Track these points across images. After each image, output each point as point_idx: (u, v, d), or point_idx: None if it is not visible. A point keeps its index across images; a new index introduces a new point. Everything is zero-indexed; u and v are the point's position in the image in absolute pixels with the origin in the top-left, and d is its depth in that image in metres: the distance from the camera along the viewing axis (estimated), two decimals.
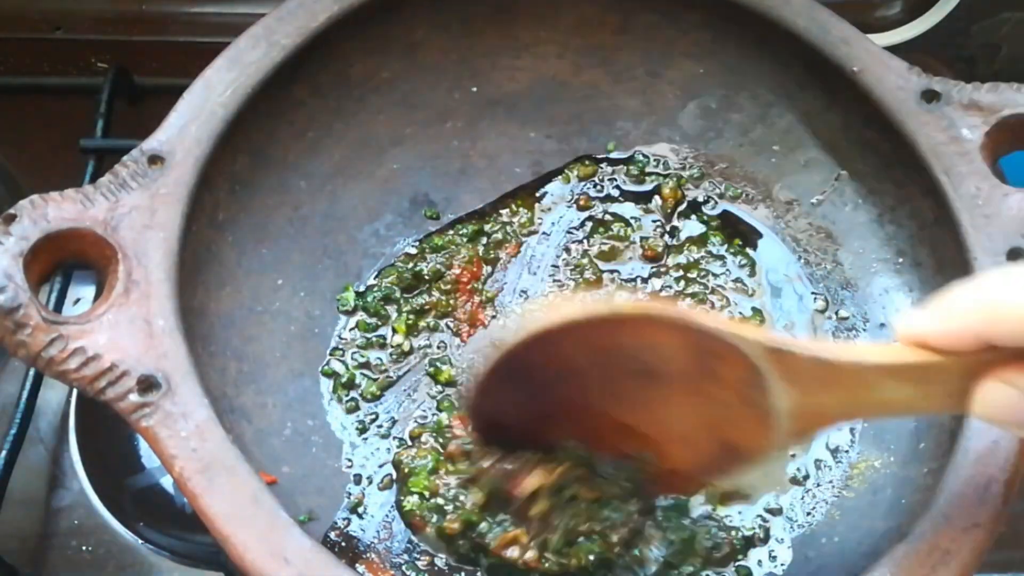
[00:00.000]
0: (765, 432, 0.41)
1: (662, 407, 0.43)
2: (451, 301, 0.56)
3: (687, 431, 0.44)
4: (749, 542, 0.50)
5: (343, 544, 0.49)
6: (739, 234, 0.59)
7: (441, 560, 0.49)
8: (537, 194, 0.60)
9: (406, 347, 0.55)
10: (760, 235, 0.59)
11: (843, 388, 0.39)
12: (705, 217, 0.60)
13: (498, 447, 0.47)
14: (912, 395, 0.38)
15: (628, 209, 0.60)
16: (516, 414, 0.46)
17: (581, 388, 0.44)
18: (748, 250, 0.59)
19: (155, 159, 0.46)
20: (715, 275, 0.58)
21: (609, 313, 0.41)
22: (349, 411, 0.53)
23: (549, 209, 0.60)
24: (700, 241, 0.59)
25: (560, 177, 0.61)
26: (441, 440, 0.51)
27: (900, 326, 0.37)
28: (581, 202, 0.60)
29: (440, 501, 0.48)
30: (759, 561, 0.50)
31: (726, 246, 0.59)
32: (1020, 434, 0.35)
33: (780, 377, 0.39)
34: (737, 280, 0.58)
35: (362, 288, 0.56)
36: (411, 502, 0.49)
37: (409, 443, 0.52)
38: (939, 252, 0.52)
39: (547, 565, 0.46)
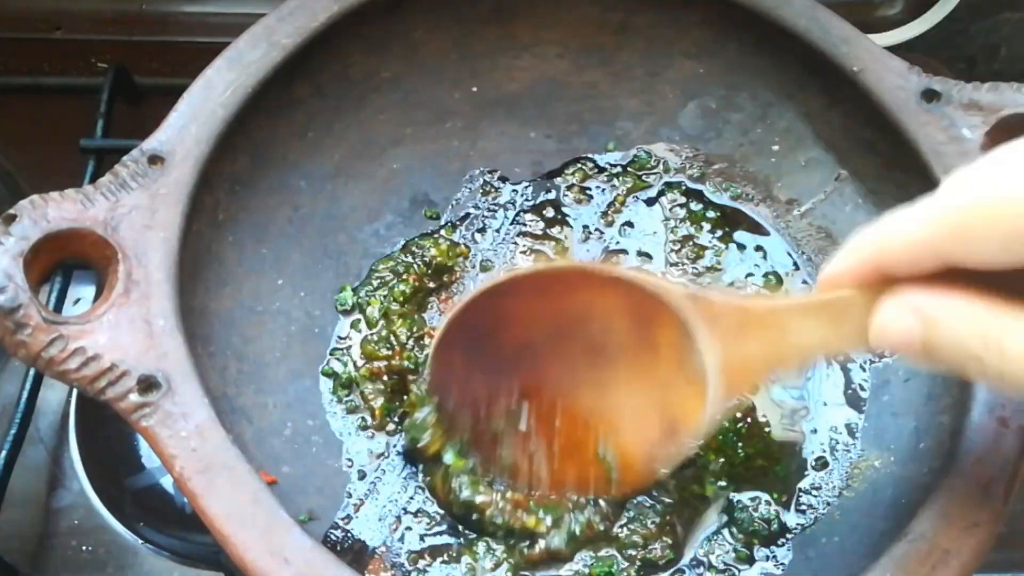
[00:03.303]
0: (702, 398, 0.42)
1: (612, 388, 0.45)
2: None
3: (637, 413, 0.45)
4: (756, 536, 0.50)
5: (343, 544, 0.49)
6: (739, 233, 0.59)
7: (442, 560, 0.49)
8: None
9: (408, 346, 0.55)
10: (760, 234, 0.59)
11: (763, 334, 0.40)
12: (705, 216, 0.60)
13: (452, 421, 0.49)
14: (826, 335, 0.39)
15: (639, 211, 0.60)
16: (473, 392, 0.47)
17: (537, 368, 0.46)
18: (747, 249, 0.59)
19: (155, 159, 0.46)
20: (715, 271, 0.58)
21: (547, 269, 0.44)
22: (349, 411, 0.53)
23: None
24: (697, 238, 0.59)
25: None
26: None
27: (818, 277, 0.39)
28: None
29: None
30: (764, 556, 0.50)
31: (723, 244, 0.59)
32: (913, 361, 0.36)
33: (705, 329, 0.41)
34: (733, 282, 0.58)
35: (361, 290, 0.56)
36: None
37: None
38: None
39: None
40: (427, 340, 0.54)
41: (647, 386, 0.45)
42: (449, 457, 0.50)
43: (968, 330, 0.33)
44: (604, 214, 0.60)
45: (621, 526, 0.50)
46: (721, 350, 0.41)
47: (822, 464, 0.52)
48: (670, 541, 0.50)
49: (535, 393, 0.47)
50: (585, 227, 0.60)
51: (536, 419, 0.47)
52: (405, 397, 0.53)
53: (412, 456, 0.52)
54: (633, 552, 0.49)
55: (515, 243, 0.59)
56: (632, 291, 0.42)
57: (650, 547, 0.49)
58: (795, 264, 0.58)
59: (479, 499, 0.50)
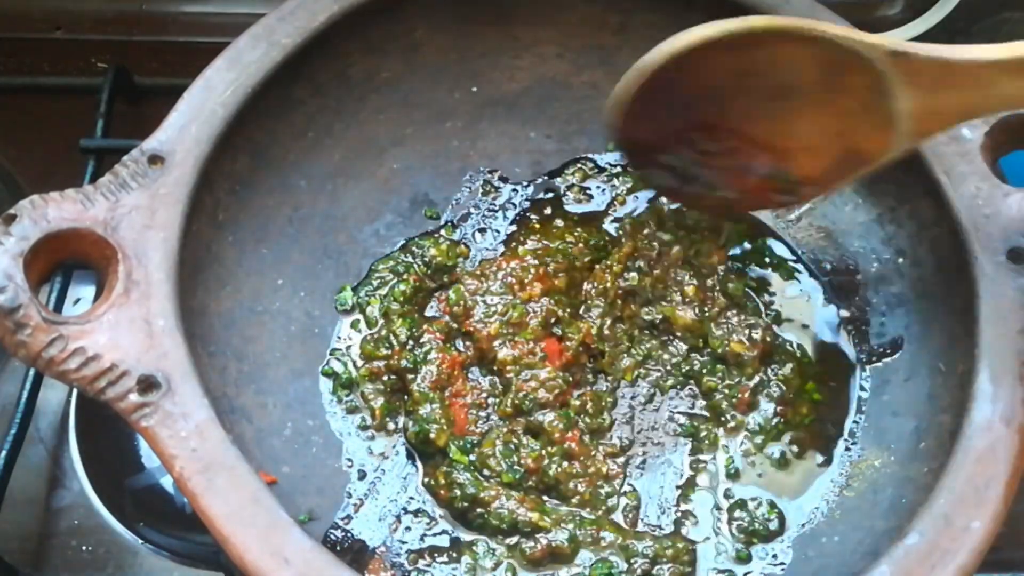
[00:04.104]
0: (886, 134, 0.45)
1: (794, 119, 0.48)
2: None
3: (816, 140, 0.48)
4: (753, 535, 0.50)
5: (343, 544, 0.49)
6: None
7: (441, 560, 0.49)
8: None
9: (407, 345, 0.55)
10: (760, 234, 0.59)
11: (962, 87, 0.42)
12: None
13: (638, 162, 0.54)
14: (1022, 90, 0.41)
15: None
16: (658, 132, 0.50)
17: (721, 107, 0.48)
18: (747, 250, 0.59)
19: (155, 159, 0.46)
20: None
21: (741, 28, 0.45)
22: (349, 411, 0.53)
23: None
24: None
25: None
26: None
27: None
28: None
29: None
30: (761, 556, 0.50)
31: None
32: None
33: (902, 80, 0.43)
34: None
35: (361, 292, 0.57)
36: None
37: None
38: (939, 252, 0.52)
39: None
40: (426, 338, 0.54)
41: (831, 118, 0.47)
42: (453, 451, 0.51)
43: None
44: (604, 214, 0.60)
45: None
46: (916, 100, 0.43)
47: (823, 465, 0.52)
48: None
49: (722, 123, 0.49)
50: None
51: (722, 143, 0.50)
52: (406, 397, 0.53)
53: (414, 453, 0.52)
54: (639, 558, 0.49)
55: (515, 243, 0.59)
56: (828, 46, 0.44)
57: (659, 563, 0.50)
58: (795, 264, 0.58)
59: (484, 494, 0.50)
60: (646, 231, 0.57)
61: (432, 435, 0.51)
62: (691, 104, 0.49)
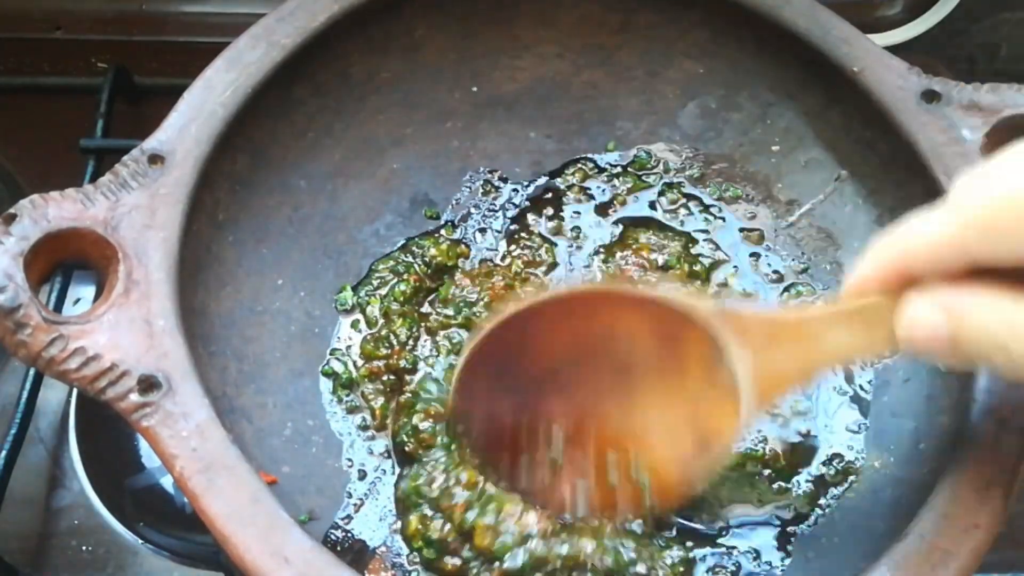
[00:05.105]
0: (734, 410, 0.42)
1: (641, 405, 0.45)
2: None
3: (668, 430, 0.45)
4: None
5: (343, 544, 0.49)
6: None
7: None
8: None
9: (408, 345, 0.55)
10: (760, 235, 0.59)
11: (794, 344, 0.41)
12: (705, 216, 0.60)
13: (476, 449, 0.48)
14: (856, 341, 0.40)
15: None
16: (498, 416, 0.47)
17: (562, 387, 0.46)
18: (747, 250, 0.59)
19: (155, 159, 0.46)
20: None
21: (568, 293, 0.44)
22: (349, 411, 0.53)
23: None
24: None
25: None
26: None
27: (843, 285, 0.40)
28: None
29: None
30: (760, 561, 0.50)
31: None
32: (939, 357, 0.37)
33: (735, 343, 0.41)
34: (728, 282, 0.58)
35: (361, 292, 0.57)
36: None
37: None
38: None
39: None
40: (425, 337, 0.54)
41: (677, 402, 0.45)
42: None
43: (995, 321, 0.34)
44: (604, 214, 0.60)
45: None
46: (752, 362, 0.41)
47: (824, 464, 0.52)
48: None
49: (562, 417, 0.47)
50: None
51: (565, 443, 0.47)
52: (401, 398, 0.53)
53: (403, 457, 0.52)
54: None
55: (514, 242, 0.59)
56: (658, 309, 0.43)
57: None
58: (794, 263, 0.58)
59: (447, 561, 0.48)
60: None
61: (409, 449, 0.51)
62: (534, 381, 0.46)
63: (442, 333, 0.55)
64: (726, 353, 0.42)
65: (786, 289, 0.57)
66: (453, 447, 0.50)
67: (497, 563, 0.48)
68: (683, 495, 0.48)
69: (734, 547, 0.50)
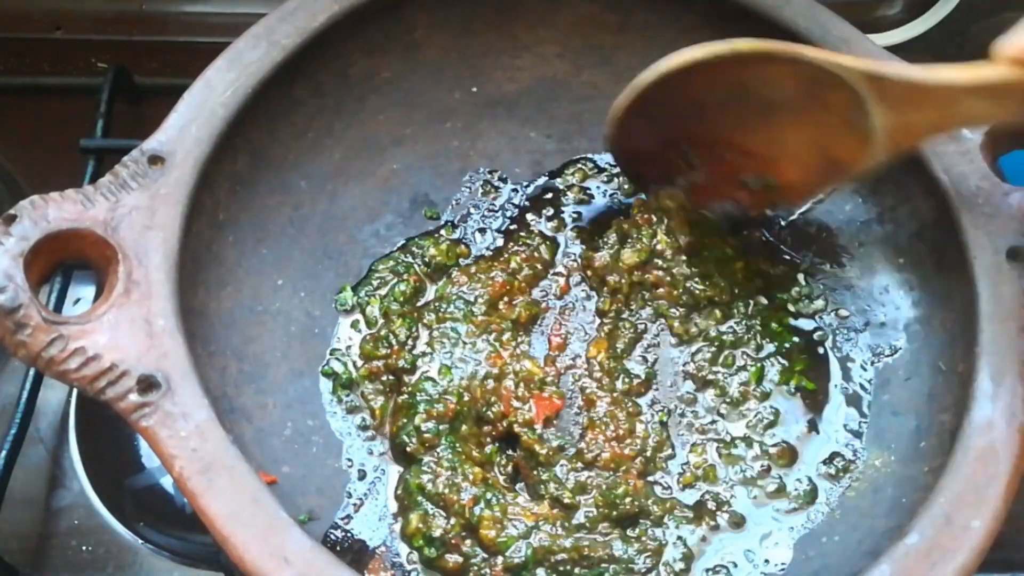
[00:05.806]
0: (863, 147, 0.49)
1: (779, 132, 0.51)
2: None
3: (799, 150, 0.52)
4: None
5: (343, 544, 0.49)
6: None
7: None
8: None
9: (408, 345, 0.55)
10: (760, 235, 0.59)
11: (932, 107, 0.46)
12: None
13: (632, 171, 0.58)
14: (991, 110, 0.45)
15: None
16: (650, 143, 0.54)
17: (710, 120, 0.52)
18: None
19: (155, 159, 0.46)
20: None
21: (728, 51, 0.48)
22: (349, 411, 0.53)
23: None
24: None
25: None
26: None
27: (998, 45, 0.43)
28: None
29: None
30: (760, 560, 0.50)
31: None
32: None
33: (876, 99, 0.47)
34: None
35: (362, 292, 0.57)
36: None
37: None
38: (939, 251, 0.52)
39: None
40: (425, 337, 0.54)
41: (813, 136, 0.50)
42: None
43: None
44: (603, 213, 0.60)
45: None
46: (889, 116, 0.47)
47: (824, 463, 0.52)
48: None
49: (710, 135, 0.53)
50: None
51: (708, 159, 0.55)
52: (399, 398, 0.53)
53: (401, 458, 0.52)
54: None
55: (514, 240, 0.59)
56: (810, 67, 0.47)
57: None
58: (795, 263, 0.58)
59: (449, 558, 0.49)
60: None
61: (410, 449, 0.51)
62: (681, 118, 0.53)
63: (438, 329, 0.55)
64: (868, 110, 0.47)
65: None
66: (458, 445, 0.51)
67: (500, 558, 0.48)
68: (806, 197, 0.55)
69: (734, 546, 0.50)
